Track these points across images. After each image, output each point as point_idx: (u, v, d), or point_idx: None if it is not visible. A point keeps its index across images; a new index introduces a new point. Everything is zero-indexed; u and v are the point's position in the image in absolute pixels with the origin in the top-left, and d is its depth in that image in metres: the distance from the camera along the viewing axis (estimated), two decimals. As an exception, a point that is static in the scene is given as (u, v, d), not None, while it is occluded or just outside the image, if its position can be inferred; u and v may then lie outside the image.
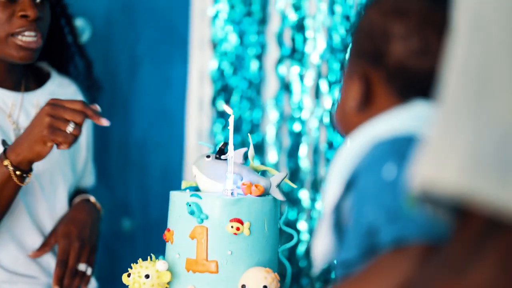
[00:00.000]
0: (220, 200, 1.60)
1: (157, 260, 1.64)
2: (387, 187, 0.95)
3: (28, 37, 1.83)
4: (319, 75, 2.27)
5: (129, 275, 1.62)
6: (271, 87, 2.37)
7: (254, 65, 2.38)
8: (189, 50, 2.46)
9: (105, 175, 2.36)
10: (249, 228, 1.60)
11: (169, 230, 1.67)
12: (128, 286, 1.62)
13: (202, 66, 2.44)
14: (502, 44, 0.68)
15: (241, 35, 2.38)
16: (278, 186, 1.66)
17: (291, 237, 1.67)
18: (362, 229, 0.98)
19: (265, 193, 1.64)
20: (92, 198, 2.05)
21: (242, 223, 1.59)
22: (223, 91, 2.39)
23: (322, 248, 1.13)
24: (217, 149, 1.69)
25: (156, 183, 2.51)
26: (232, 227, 1.58)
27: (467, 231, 0.74)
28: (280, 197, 1.66)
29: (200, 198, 1.61)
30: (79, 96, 2.08)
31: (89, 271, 1.95)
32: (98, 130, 2.13)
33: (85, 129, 2.07)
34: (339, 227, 1.11)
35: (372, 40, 1.07)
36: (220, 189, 1.64)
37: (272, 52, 2.37)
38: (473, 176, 0.69)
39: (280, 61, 2.34)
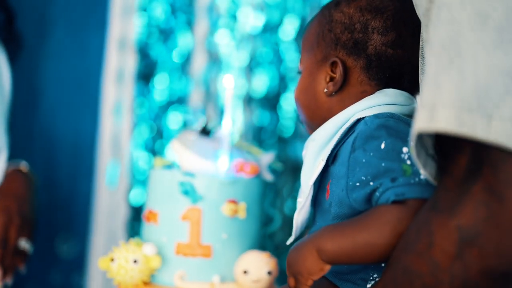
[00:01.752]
0: (216, 180, 1.49)
1: (142, 243, 1.50)
2: (385, 156, 1.05)
3: None
4: (252, 51, 2.21)
5: (111, 260, 1.47)
6: (199, 60, 2.26)
7: (183, 35, 2.25)
8: (109, 16, 2.27)
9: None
10: (244, 210, 1.51)
11: (151, 212, 1.53)
12: (106, 271, 1.47)
13: (123, 34, 2.26)
14: (466, 18, 0.88)
15: (170, 3, 2.24)
16: (268, 166, 1.59)
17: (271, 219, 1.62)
18: (360, 195, 1.07)
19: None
20: (24, 167, 1.84)
21: (237, 204, 1.51)
22: (148, 62, 2.25)
23: (301, 219, 1.24)
24: (201, 125, 1.59)
25: (65, 160, 2.30)
26: (229, 209, 1.49)
27: (454, 173, 0.89)
28: (269, 177, 1.59)
29: (194, 177, 1.49)
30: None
31: (29, 248, 1.76)
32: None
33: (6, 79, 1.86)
34: (315, 201, 1.23)
35: (351, 32, 1.22)
36: (207, 167, 1.54)
37: (202, 23, 2.26)
38: (458, 115, 0.85)
39: (210, 32, 2.24)
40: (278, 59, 2.23)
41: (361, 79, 1.21)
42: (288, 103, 2.25)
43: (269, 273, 1.46)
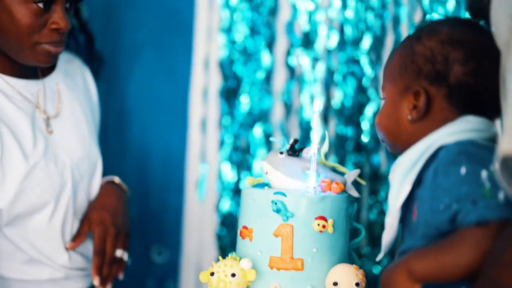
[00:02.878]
0: (306, 198, 1.60)
1: (238, 258, 1.62)
2: (465, 180, 1.16)
3: (57, 45, 1.75)
4: (329, 67, 2.31)
5: (211, 274, 1.59)
6: (280, 77, 2.38)
7: (264, 54, 2.37)
8: (193, 38, 2.41)
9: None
10: (332, 226, 1.62)
11: (246, 228, 1.65)
12: (207, 284, 1.60)
13: (207, 55, 2.40)
14: None
15: (251, 24, 2.36)
16: (353, 183, 1.69)
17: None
18: (444, 218, 1.18)
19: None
20: (117, 179, 2.00)
21: (326, 220, 1.61)
22: (232, 81, 2.38)
23: (389, 238, 1.37)
24: (289, 145, 1.69)
25: (156, 175, 2.45)
26: (318, 224, 1.60)
27: None
28: (356, 194, 1.68)
29: (285, 196, 1.61)
30: (85, 68, 2.02)
31: (125, 257, 1.92)
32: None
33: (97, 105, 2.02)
34: (403, 221, 1.35)
35: (433, 64, 1.31)
36: (296, 186, 1.65)
37: (282, 41, 2.37)
38: None
39: (290, 51, 2.35)
40: (355, 73, 2.32)
41: (443, 106, 1.32)
42: (367, 116, 2.33)
43: (357, 284, 1.57)
